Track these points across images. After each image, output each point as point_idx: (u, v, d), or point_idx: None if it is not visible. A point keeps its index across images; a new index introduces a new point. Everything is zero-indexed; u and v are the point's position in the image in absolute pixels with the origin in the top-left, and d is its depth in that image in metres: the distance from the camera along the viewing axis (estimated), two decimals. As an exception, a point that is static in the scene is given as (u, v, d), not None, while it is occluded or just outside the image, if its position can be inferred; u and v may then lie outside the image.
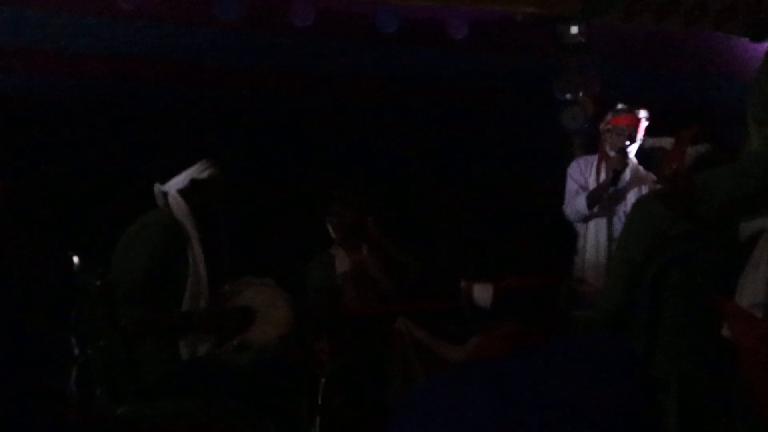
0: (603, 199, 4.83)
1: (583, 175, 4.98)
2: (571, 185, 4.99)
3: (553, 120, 5.79)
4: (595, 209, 4.87)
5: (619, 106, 4.92)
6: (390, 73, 6.71)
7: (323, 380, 4.69)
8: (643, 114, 4.78)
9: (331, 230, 5.00)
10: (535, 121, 7.86)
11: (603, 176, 4.89)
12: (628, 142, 4.78)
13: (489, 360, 1.74)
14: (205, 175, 3.72)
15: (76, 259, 3.45)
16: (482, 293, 1.78)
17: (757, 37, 2.65)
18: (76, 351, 4.69)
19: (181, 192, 3.70)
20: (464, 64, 6.54)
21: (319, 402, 4.62)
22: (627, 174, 4.83)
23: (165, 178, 3.72)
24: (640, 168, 4.89)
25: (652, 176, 4.85)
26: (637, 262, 2.98)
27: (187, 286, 3.59)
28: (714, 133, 3.06)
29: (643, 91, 6.74)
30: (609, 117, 4.94)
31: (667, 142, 3.24)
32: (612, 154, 4.81)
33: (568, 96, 5.71)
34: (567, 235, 5.06)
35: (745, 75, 3.38)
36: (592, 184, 4.90)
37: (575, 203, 4.88)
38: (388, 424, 1.71)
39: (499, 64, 6.55)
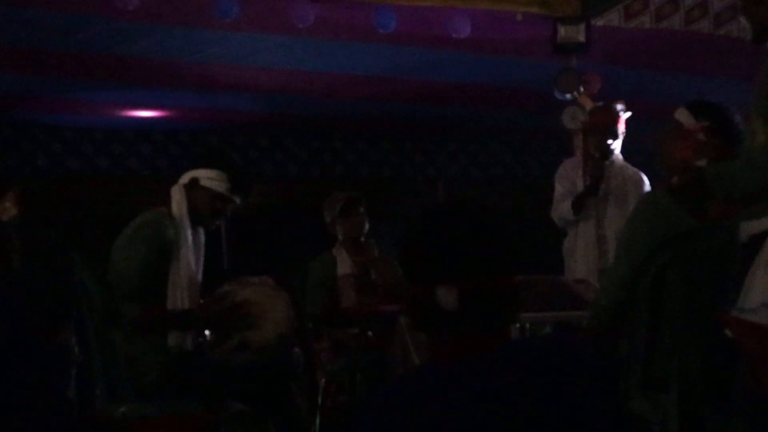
0: (589, 202, 4.74)
1: (569, 178, 4.90)
2: (558, 189, 4.92)
3: (553, 120, 5.79)
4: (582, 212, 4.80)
5: (599, 103, 4.88)
6: (390, 73, 6.71)
7: (323, 380, 4.69)
8: (620, 108, 4.72)
9: (341, 233, 4.99)
10: (535, 121, 7.87)
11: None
12: (610, 141, 4.72)
13: (446, 364, 1.72)
14: (206, 182, 3.66)
15: (76, 259, 3.46)
16: (447, 295, 1.72)
17: (759, 40, 2.65)
18: (76, 351, 4.69)
19: (185, 187, 3.68)
20: (464, 64, 6.54)
21: (319, 402, 4.62)
22: (611, 173, 4.74)
23: (188, 169, 3.71)
24: (627, 166, 4.83)
25: (639, 174, 4.81)
26: (641, 260, 2.96)
27: (169, 284, 3.57)
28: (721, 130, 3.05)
29: (643, 91, 6.76)
30: (588, 117, 4.89)
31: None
32: (597, 155, 4.72)
33: (568, 96, 5.70)
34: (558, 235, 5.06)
35: (744, 75, 3.38)
36: (580, 187, 4.82)
37: (561, 209, 4.82)
38: (354, 424, 1.70)
39: (499, 64, 6.55)
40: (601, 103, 4.85)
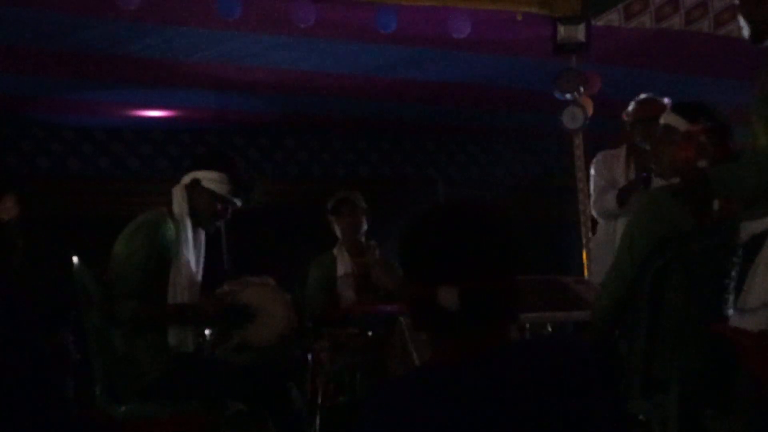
0: (634, 195, 4.50)
1: (610, 170, 4.76)
2: (597, 182, 4.78)
3: (553, 120, 5.79)
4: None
5: (642, 95, 4.70)
6: (390, 73, 6.71)
7: (323, 380, 4.68)
8: (667, 101, 4.54)
9: (338, 232, 4.99)
10: (535, 121, 7.87)
11: (633, 170, 4.68)
12: None
13: (446, 364, 1.71)
14: (208, 184, 3.66)
15: (76, 259, 3.46)
16: (448, 296, 1.72)
17: (758, 40, 2.65)
18: (76, 351, 4.68)
19: (186, 187, 3.68)
20: (464, 64, 6.54)
21: (319, 402, 4.62)
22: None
23: (190, 170, 3.70)
24: None
25: None
26: (642, 259, 2.96)
27: (169, 284, 3.57)
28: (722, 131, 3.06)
29: (643, 91, 6.75)
30: (634, 108, 4.69)
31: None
32: (646, 146, 4.53)
33: (568, 96, 5.70)
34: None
35: (744, 75, 3.38)
36: (620, 180, 4.70)
37: (605, 201, 4.68)
38: (354, 424, 1.69)
39: (499, 64, 6.55)
40: (645, 96, 4.72)
